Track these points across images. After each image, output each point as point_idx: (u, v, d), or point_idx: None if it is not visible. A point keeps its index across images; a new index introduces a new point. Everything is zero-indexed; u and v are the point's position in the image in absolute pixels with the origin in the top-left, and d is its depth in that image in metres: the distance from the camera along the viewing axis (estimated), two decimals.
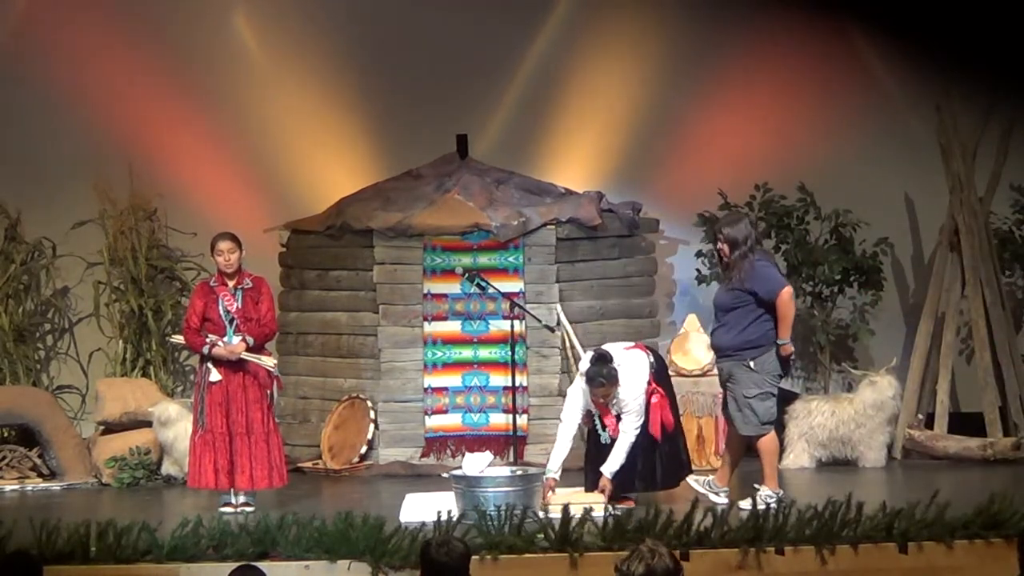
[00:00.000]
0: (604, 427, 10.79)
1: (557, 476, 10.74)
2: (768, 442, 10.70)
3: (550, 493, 10.55)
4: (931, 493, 9.73)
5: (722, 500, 10.57)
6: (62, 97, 13.61)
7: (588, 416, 10.86)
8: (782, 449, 12.54)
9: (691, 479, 10.86)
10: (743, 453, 10.93)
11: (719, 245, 10.79)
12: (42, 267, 13.78)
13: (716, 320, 10.85)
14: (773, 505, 9.92)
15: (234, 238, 10.95)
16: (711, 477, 10.91)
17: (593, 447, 10.92)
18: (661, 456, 10.85)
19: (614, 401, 10.71)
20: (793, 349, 10.79)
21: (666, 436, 10.87)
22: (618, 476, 10.68)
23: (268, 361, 10.94)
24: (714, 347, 10.94)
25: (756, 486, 10.62)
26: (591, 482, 10.85)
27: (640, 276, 13.22)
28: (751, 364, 10.59)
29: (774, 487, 10.60)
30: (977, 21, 13.60)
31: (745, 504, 10.02)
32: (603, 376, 10.62)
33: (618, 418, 10.74)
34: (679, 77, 13.97)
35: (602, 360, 10.67)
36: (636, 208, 13.15)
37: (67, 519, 9.59)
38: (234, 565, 7.37)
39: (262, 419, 10.87)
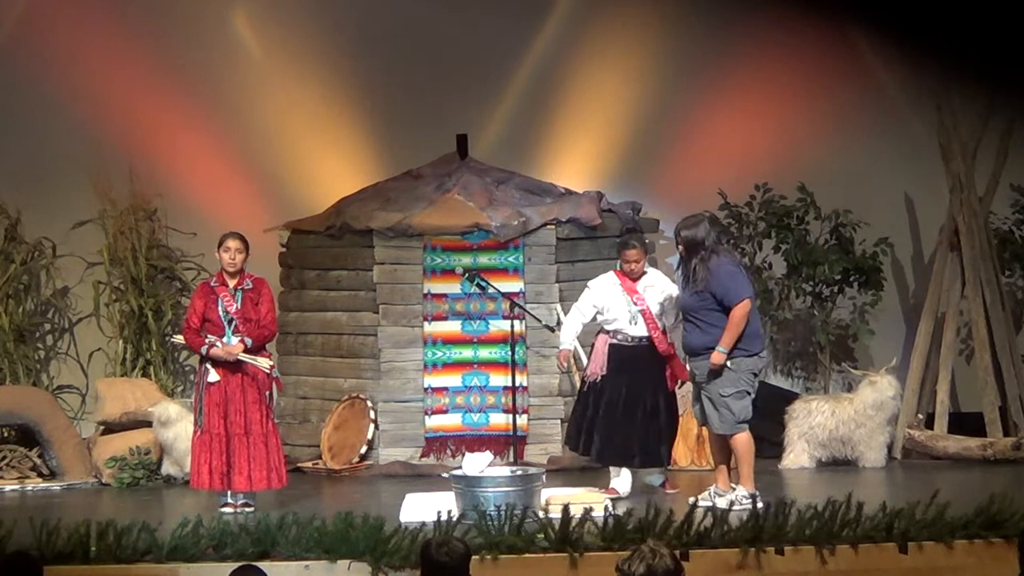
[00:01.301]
0: (634, 303, 10.96)
1: (570, 347, 11.28)
2: (743, 441, 10.62)
3: (565, 363, 11.45)
4: (931, 493, 9.73)
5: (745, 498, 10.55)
6: (62, 97, 13.61)
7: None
8: (782, 449, 12.55)
9: (698, 499, 10.77)
10: (730, 451, 10.90)
11: (679, 247, 10.78)
12: (42, 267, 13.78)
13: (685, 322, 10.79)
14: (748, 505, 9.92)
15: (243, 239, 10.94)
16: (713, 487, 10.79)
17: (585, 408, 11.08)
18: (661, 430, 10.97)
19: (650, 289, 11.00)
20: (724, 362, 10.51)
21: (668, 405, 11.05)
22: (620, 439, 10.93)
23: (264, 363, 10.92)
24: (687, 349, 10.79)
25: (733, 486, 10.62)
26: (580, 443, 11.09)
27: None
28: (728, 363, 10.55)
29: (750, 487, 10.54)
30: (977, 21, 13.60)
31: (722, 503, 10.14)
32: (636, 240, 10.97)
33: (659, 317, 11.00)
34: (679, 77, 13.97)
35: (634, 230, 11.13)
36: (636, 208, 13.15)
37: (67, 519, 9.58)
38: (234, 565, 7.37)
39: (261, 420, 10.86)
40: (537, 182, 13.29)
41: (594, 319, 11.22)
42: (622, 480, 11.14)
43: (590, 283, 11.26)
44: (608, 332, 11.14)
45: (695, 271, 10.55)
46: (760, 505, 9.72)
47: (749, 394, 10.63)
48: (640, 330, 11.04)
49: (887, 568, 9.30)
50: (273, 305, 11.14)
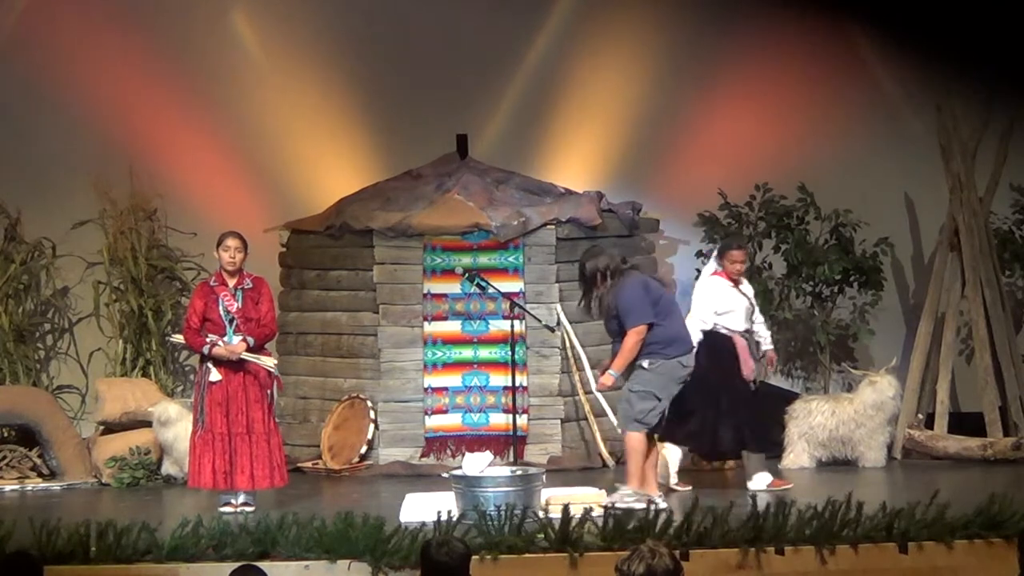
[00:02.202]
0: (750, 303, 11.41)
1: None
2: (635, 439, 10.58)
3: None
4: (931, 493, 9.73)
5: (663, 504, 10.45)
6: (62, 97, 13.61)
7: None
8: (782, 449, 12.55)
9: (612, 498, 10.72)
10: (650, 452, 10.82)
11: (586, 280, 10.75)
12: (42, 267, 13.78)
13: (613, 343, 10.76)
14: (631, 503, 9.93)
15: (242, 238, 10.95)
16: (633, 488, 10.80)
17: (750, 406, 11.36)
18: None
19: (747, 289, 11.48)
20: (611, 384, 10.58)
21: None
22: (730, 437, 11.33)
23: (268, 361, 10.93)
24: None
25: (617, 485, 10.61)
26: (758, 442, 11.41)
27: None
28: (644, 364, 10.50)
29: (634, 485, 10.50)
30: (977, 21, 13.61)
31: (607, 500, 10.09)
32: (742, 241, 11.45)
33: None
34: (679, 77, 13.98)
35: (734, 233, 11.68)
36: (636, 208, 13.15)
37: (67, 519, 9.59)
38: (234, 565, 7.37)
39: (263, 419, 10.86)
40: (537, 182, 13.28)
41: None
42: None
43: (705, 290, 11.47)
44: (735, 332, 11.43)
45: (602, 299, 10.57)
46: (641, 506, 9.80)
47: (659, 399, 10.55)
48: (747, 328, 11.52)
49: (887, 568, 9.29)
50: (273, 304, 11.15)
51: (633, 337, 10.47)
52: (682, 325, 10.82)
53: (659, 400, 10.56)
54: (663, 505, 10.35)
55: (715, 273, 11.54)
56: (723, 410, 11.27)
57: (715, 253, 11.77)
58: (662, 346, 10.52)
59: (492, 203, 12.83)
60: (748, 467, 11.51)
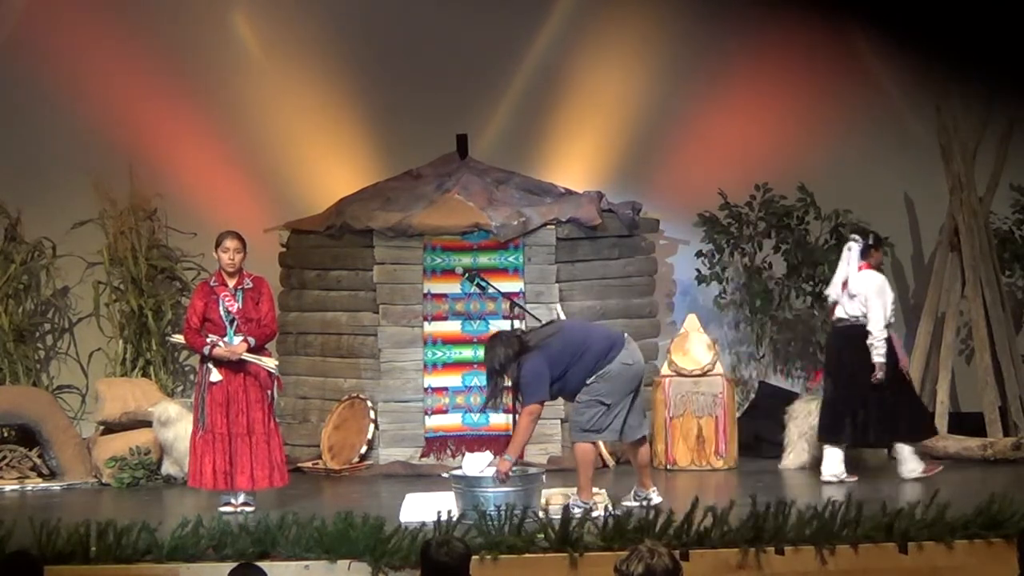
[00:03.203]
0: None
1: None
2: (582, 451, 10.50)
3: None
4: (931, 493, 9.74)
5: (656, 499, 10.52)
6: (62, 97, 13.61)
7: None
8: (782, 449, 12.54)
9: (625, 500, 10.73)
10: (639, 454, 10.81)
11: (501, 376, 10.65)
12: (42, 267, 13.78)
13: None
14: (579, 515, 9.58)
15: (241, 238, 10.93)
16: (634, 489, 10.76)
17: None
18: None
19: None
20: (507, 469, 10.26)
21: None
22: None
23: (270, 363, 10.92)
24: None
25: (569, 495, 10.51)
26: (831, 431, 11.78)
27: (640, 276, 13.22)
28: (589, 382, 10.42)
29: (585, 497, 10.38)
30: (977, 22, 13.61)
31: (554, 512, 9.87)
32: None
33: None
34: (680, 77, 13.98)
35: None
36: (636, 208, 13.14)
37: (67, 519, 9.58)
38: (234, 565, 7.37)
39: (263, 419, 10.86)
40: (537, 182, 13.29)
41: None
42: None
43: (884, 287, 11.79)
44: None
45: (517, 383, 10.51)
46: (593, 515, 9.59)
47: (603, 404, 10.43)
48: None
49: (887, 568, 9.29)
50: (273, 304, 11.14)
51: (525, 418, 10.37)
52: (603, 335, 10.62)
53: (606, 406, 10.42)
54: (656, 500, 10.35)
55: (870, 267, 11.79)
56: (889, 400, 11.74)
57: (863, 245, 11.83)
58: (600, 367, 10.41)
59: (492, 203, 12.83)
60: (900, 457, 11.87)
